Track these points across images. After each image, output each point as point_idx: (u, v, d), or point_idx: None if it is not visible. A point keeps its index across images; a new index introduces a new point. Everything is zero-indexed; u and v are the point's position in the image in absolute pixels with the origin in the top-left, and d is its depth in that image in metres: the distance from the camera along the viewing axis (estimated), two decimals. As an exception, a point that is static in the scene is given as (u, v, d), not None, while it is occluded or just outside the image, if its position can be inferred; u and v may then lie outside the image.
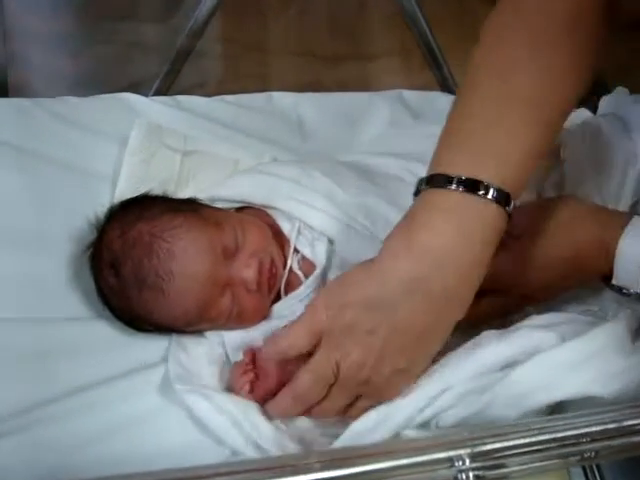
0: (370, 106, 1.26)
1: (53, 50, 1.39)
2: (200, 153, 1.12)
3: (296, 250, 0.99)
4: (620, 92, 1.19)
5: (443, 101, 1.26)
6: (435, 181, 0.75)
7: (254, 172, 1.06)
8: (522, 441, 0.68)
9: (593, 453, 0.70)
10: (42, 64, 1.40)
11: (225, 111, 1.20)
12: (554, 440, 0.69)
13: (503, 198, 0.74)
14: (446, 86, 1.41)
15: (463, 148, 0.77)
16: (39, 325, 0.96)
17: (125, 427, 0.89)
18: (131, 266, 0.93)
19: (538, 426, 0.69)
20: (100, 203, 1.03)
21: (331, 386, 0.80)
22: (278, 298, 0.98)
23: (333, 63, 2.18)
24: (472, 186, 0.73)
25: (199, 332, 0.98)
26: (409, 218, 0.77)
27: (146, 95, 1.24)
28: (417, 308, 0.75)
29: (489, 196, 0.73)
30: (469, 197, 0.73)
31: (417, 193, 0.78)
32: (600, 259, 0.85)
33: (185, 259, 0.92)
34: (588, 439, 0.69)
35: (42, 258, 1.01)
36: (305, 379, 0.80)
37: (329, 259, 0.96)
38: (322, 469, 0.62)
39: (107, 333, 0.97)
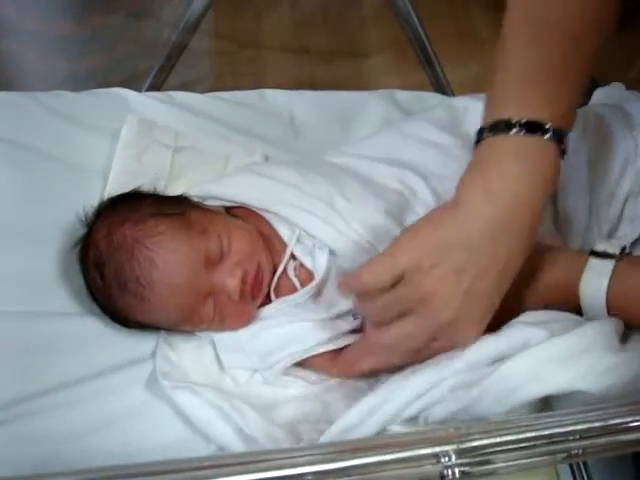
0: (362, 105, 1.25)
1: (46, 46, 1.39)
2: (191, 149, 1.12)
3: (293, 257, 0.98)
4: (616, 87, 1.19)
5: (435, 101, 1.26)
6: (498, 128, 0.80)
7: (251, 173, 1.05)
8: (508, 438, 0.68)
9: (580, 451, 0.70)
10: (35, 60, 1.40)
11: (218, 107, 1.20)
12: (541, 437, 0.69)
13: (559, 136, 0.79)
14: (439, 85, 1.41)
15: (517, 93, 0.82)
16: (30, 319, 0.96)
17: (113, 422, 0.90)
18: (114, 269, 0.93)
19: (525, 423, 0.70)
20: (92, 197, 1.03)
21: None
22: (269, 299, 0.98)
23: (327, 60, 2.19)
24: (532, 128, 0.79)
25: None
26: (481, 165, 0.82)
27: (140, 90, 1.24)
28: (500, 249, 0.79)
29: (548, 136, 0.79)
30: (531, 139, 0.79)
31: (478, 142, 0.82)
32: (570, 299, 0.86)
33: (166, 268, 0.92)
34: (575, 437, 0.69)
35: (33, 252, 1.01)
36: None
37: (328, 269, 0.95)
38: (308, 463, 0.62)
39: (97, 328, 0.97)
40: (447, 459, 0.67)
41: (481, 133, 0.82)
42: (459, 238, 0.79)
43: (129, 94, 1.18)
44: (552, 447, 0.70)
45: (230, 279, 0.94)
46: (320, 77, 2.05)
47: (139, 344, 0.97)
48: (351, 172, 1.03)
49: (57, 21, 1.39)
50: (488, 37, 2.12)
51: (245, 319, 0.96)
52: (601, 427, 0.70)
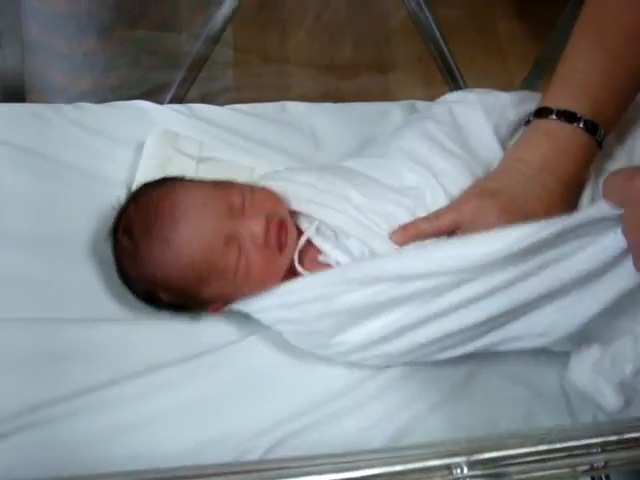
0: (384, 116, 1.26)
1: (71, 63, 1.41)
2: (215, 160, 1.14)
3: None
4: None
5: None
6: (541, 113, 0.97)
7: (268, 179, 1.07)
8: (520, 450, 0.69)
9: (602, 463, 0.70)
10: (60, 76, 1.42)
11: (239, 120, 1.21)
12: (554, 450, 0.69)
13: (593, 128, 0.94)
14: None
15: (564, 88, 0.98)
16: (52, 325, 0.98)
17: (133, 428, 0.91)
18: (141, 223, 0.96)
19: (539, 434, 0.70)
20: (114, 208, 1.04)
21: None
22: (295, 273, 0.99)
23: (352, 74, 2.20)
24: (568, 117, 0.95)
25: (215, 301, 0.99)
26: (520, 140, 1.00)
27: (162, 102, 1.25)
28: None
29: (580, 124, 0.94)
30: (565, 125, 0.95)
31: (527, 123, 1.00)
32: None
33: (189, 210, 0.96)
34: (593, 450, 0.69)
35: (56, 260, 1.03)
36: None
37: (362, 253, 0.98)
38: (318, 473, 0.63)
39: (119, 335, 0.99)
40: (459, 470, 0.67)
41: (529, 116, 0.99)
42: (496, 186, 0.95)
43: (150, 106, 1.20)
44: (568, 460, 0.70)
45: (254, 222, 0.96)
46: (345, 91, 2.06)
47: (161, 351, 0.98)
48: (365, 172, 1.05)
49: (81, 38, 1.41)
50: (511, 51, 2.13)
51: (272, 272, 0.97)
52: (615, 441, 0.70)
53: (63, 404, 0.91)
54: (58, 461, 0.87)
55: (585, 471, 0.72)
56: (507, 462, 0.69)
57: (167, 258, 0.95)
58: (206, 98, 1.31)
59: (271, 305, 0.96)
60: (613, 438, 0.70)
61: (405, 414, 0.96)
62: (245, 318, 1.00)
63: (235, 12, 1.19)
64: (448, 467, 0.67)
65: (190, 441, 0.91)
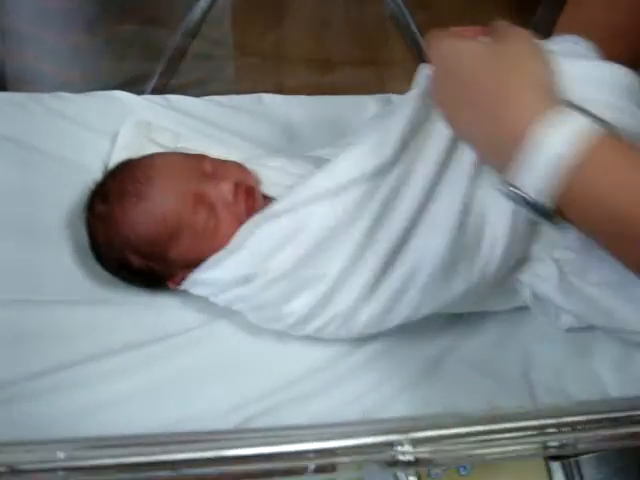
0: (359, 110, 1.29)
1: (60, 55, 1.43)
2: (190, 151, 1.15)
3: None
4: None
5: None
6: None
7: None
8: (461, 430, 0.71)
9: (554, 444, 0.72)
10: (50, 68, 1.45)
11: (215, 111, 1.24)
12: (500, 431, 0.72)
13: None
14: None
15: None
16: (29, 306, 1.01)
17: (111, 405, 0.94)
18: (117, 186, 1.01)
19: (489, 415, 0.73)
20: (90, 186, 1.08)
21: None
22: None
23: (348, 69, 2.22)
24: None
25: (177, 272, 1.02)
26: None
27: (143, 93, 1.28)
28: None
29: None
30: None
31: None
32: None
33: (163, 171, 1.02)
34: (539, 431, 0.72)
35: (33, 244, 1.06)
36: None
37: None
38: (260, 445, 0.65)
39: (92, 315, 1.02)
40: (399, 447, 0.69)
41: None
42: None
43: (128, 97, 1.23)
44: (514, 441, 0.72)
45: (224, 185, 1.01)
46: (341, 86, 2.08)
47: (135, 330, 1.01)
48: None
49: (71, 32, 1.44)
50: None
51: (238, 223, 1.00)
52: (555, 424, 0.72)
53: (41, 380, 0.94)
54: (36, 436, 0.89)
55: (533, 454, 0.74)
56: (450, 441, 0.71)
57: (140, 214, 0.99)
58: (193, 89, 1.33)
59: (218, 280, 0.99)
60: (551, 421, 0.72)
61: (373, 396, 0.98)
62: (211, 304, 1.03)
63: (212, 5, 1.22)
64: (390, 444, 0.69)
65: (167, 417, 0.93)
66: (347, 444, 0.68)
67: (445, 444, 0.71)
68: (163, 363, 0.98)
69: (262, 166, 1.08)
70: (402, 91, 1.33)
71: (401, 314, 0.97)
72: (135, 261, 1.01)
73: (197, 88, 1.46)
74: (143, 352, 0.99)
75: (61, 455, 0.63)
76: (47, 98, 1.21)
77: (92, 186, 1.05)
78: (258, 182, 1.06)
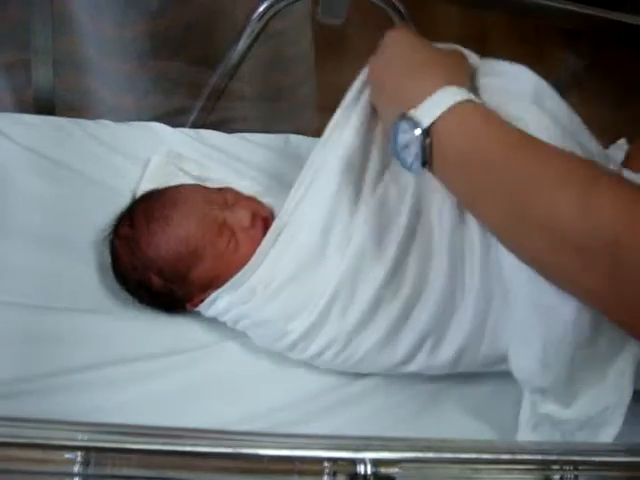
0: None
1: (104, 77, 1.51)
2: (214, 181, 1.22)
3: None
4: None
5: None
6: None
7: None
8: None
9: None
10: (90, 87, 1.53)
11: (243, 148, 1.31)
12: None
13: None
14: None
15: None
16: (47, 312, 1.09)
17: (107, 412, 1.00)
18: (144, 209, 1.09)
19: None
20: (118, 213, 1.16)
21: None
22: None
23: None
24: None
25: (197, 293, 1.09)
26: None
27: (183, 126, 1.36)
28: None
29: None
30: None
31: None
32: None
33: (188, 195, 1.10)
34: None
35: (60, 256, 1.14)
36: None
37: None
38: (231, 446, 0.70)
39: (106, 325, 1.09)
40: (362, 467, 0.72)
41: None
42: None
43: (163, 128, 1.31)
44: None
45: (243, 214, 1.08)
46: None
47: (142, 343, 1.08)
48: None
49: (122, 61, 1.52)
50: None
51: (255, 247, 1.06)
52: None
53: (52, 380, 1.01)
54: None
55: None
56: (414, 465, 0.74)
57: (166, 236, 1.07)
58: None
59: (227, 301, 1.06)
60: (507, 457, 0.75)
61: (364, 429, 1.02)
62: (224, 325, 1.10)
63: (250, 47, 1.29)
64: (352, 461, 0.73)
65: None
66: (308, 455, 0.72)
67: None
68: (159, 378, 1.05)
69: (278, 199, 1.14)
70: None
71: (400, 350, 1.02)
72: (156, 283, 1.08)
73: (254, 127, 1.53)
74: (149, 364, 1.06)
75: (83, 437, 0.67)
76: (90, 124, 1.29)
77: (119, 212, 1.13)
78: (273, 214, 1.12)
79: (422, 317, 1.00)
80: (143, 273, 1.08)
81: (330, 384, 1.07)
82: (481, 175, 0.81)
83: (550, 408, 0.96)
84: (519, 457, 0.75)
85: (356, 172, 1.02)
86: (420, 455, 0.74)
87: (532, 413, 0.99)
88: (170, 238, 1.06)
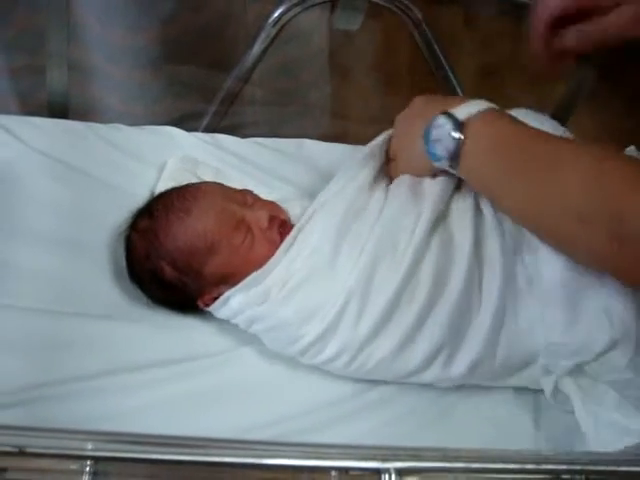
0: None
1: (116, 82, 1.51)
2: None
3: None
4: None
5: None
6: None
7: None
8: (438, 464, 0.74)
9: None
10: (103, 92, 1.52)
11: (258, 152, 1.31)
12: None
13: None
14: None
15: None
16: (61, 317, 1.08)
17: (118, 417, 1.00)
18: (164, 201, 1.10)
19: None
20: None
21: None
22: None
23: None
24: None
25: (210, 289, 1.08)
26: None
27: (195, 131, 1.36)
28: None
29: None
30: None
31: None
32: None
33: (209, 191, 1.11)
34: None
35: (75, 261, 1.14)
36: None
37: None
38: (254, 457, 0.69)
39: (122, 331, 1.08)
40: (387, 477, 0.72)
41: None
42: None
43: (178, 132, 1.31)
44: None
45: (261, 214, 1.08)
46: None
47: (155, 349, 1.07)
48: None
49: (135, 68, 1.51)
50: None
51: (270, 256, 1.06)
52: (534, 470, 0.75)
53: (66, 386, 1.01)
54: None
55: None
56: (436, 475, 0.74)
57: (183, 227, 1.07)
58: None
59: (240, 301, 1.06)
60: (530, 467, 0.75)
61: (380, 437, 1.02)
62: (237, 331, 1.09)
63: (265, 52, 1.29)
64: (377, 471, 0.73)
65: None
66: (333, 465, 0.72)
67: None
68: (172, 384, 1.04)
69: (293, 207, 1.15)
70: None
71: (414, 359, 1.01)
72: (169, 273, 1.07)
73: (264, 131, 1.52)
74: (161, 371, 1.05)
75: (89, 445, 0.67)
76: (103, 128, 1.29)
77: (136, 209, 1.13)
78: (290, 220, 1.13)
79: (436, 328, 1.00)
80: (156, 263, 1.08)
81: (344, 392, 1.06)
82: (506, 159, 0.91)
83: None
84: (544, 467, 0.75)
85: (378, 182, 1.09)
86: (447, 465, 0.74)
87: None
88: (187, 229, 1.07)
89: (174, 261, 1.07)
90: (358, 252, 1.02)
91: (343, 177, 1.11)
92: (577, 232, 0.83)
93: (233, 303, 1.06)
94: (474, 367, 1.01)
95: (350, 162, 1.13)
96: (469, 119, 0.93)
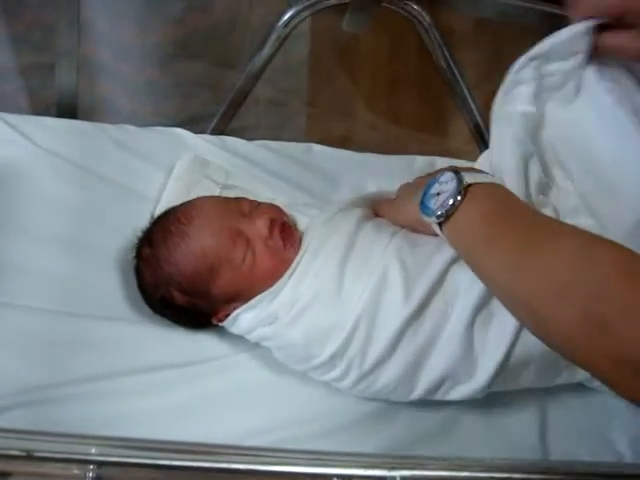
0: (405, 168, 1.32)
1: (126, 82, 1.51)
2: (239, 189, 1.22)
3: None
4: None
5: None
6: None
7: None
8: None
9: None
10: (113, 92, 1.53)
11: (265, 155, 1.30)
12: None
13: None
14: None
15: None
16: (65, 317, 1.08)
17: (122, 421, 0.99)
18: (161, 227, 1.08)
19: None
20: (141, 221, 1.14)
21: None
22: None
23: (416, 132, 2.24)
24: None
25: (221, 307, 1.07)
26: None
27: (204, 132, 1.36)
28: None
29: None
30: None
31: None
32: None
33: (203, 208, 1.09)
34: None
35: (82, 261, 1.14)
36: None
37: None
38: (259, 463, 0.69)
39: (128, 333, 1.08)
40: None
41: None
42: None
43: (186, 134, 1.30)
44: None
45: (260, 221, 1.07)
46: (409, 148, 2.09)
47: (159, 354, 1.07)
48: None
49: (145, 67, 1.52)
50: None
51: (275, 267, 1.05)
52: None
53: (68, 388, 1.01)
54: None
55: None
56: None
57: (182, 251, 1.05)
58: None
59: (249, 320, 1.05)
60: (537, 477, 0.75)
61: (386, 445, 1.02)
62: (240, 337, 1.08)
63: (275, 54, 1.29)
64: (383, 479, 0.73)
65: (186, 436, 0.95)
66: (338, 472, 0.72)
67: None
68: (172, 390, 1.04)
69: (298, 212, 1.14)
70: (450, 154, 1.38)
71: (423, 383, 1.01)
72: (179, 298, 1.07)
73: (267, 133, 1.52)
74: (167, 374, 1.05)
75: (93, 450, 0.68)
76: (112, 129, 1.29)
77: (139, 235, 1.12)
78: (296, 225, 1.12)
79: (441, 359, 1.00)
80: (165, 290, 1.07)
81: (346, 401, 1.06)
82: (496, 227, 0.88)
83: None
84: (551, 477, 0.75)
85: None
86: (453, 474, 0.74)
87: None
88: (187, 254, 1.05)
89: (181, 286, 1.06)
90: (367, 276, 1.01)
91: (342, 203, 1.12)
92: (553, 308, 0.77)
93: (243, 322, 1.06)
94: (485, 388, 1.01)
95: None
96: (474, 184, 0.91)
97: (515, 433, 1.05)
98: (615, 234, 0.90)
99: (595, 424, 1.06)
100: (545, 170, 1.07)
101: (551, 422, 1.06)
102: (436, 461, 0.76)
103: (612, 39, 0.97)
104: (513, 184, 1.01)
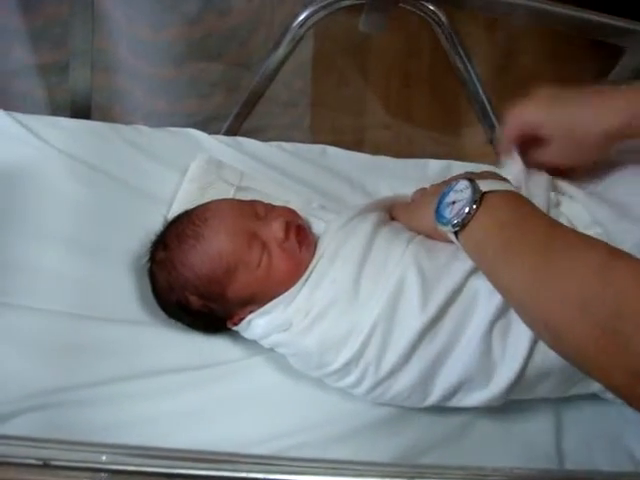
0: (418, 172, 1.32)
1: (142, 80, 1.51)
2: (254, 190, 1.21)
3: None
4: None
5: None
6: None
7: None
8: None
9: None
10: (128, 90, 1.52)
11: (280, 157, 1.29)
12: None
13: None
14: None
15: None
16: (80, 320, 1.08)
17: (131, 425, 1.00)
18: (175, 231, 1.07)
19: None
20: (155, 223, 1.14)
21: None
22: None
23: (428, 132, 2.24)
24: None
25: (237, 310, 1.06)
26: None
27: (218, 132, 1.35)
28: None
29: None
30: None
31: None
32: None
33: (218, 210, 1.08)
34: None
35: (96, 263, 1.13)
36: None
37: None
38: (271, 472, 0.69)
39: (143, 337, 1.08)
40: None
41: None
42: None
43: (200, 135, 1.30)
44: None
45: (275, 224, 1.05)
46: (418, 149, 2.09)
47: (172, 356, 1.07)
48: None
49: (161, 65, 1.51)
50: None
51: (292, 270, 1.04)
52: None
53: (82, 392, 1.01)
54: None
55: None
56: None
57: (198, 254, 1.04)
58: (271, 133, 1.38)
59: (263, 326, 1.04)
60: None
61: (400, 452, 1.01)
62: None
63: (289, 54, 1.29)
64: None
65: (181, 445, 0.97)
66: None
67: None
68: (185, 392, 1.04)
69: (313, 216, 1.13)
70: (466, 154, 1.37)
71: (438, 390, 1.00)
72: (194, 302, 1.06)
73: (276, 133, 1.52)
74: (179, 377, 1.05)
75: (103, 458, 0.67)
76: (125, 129, 1.28)
77: (153, 238, 1.11)
78: (310, 227, 1.11)
79: (457, 366, 0.99)
80: (181, 293, 1.06)
81: (357, 407, 1.05)
82: (514, 237, 0.88)
83: None
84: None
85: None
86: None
87: None
88: (202, 256, 1.04)
89: (196, 289, 1.05)
90: (383, 284, 1.00)
91: (358, 208, 1.10)
92: (569, 323, 0.78)
93: (257, 328, 1.05)
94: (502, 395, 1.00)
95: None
96: (490, 192, 0.91)
97: (530, 439, 1.04)
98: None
99: (611, 430, 1.05)
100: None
101: (567, 428, 1.05)
102: (455, 470, 0.75)
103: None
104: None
